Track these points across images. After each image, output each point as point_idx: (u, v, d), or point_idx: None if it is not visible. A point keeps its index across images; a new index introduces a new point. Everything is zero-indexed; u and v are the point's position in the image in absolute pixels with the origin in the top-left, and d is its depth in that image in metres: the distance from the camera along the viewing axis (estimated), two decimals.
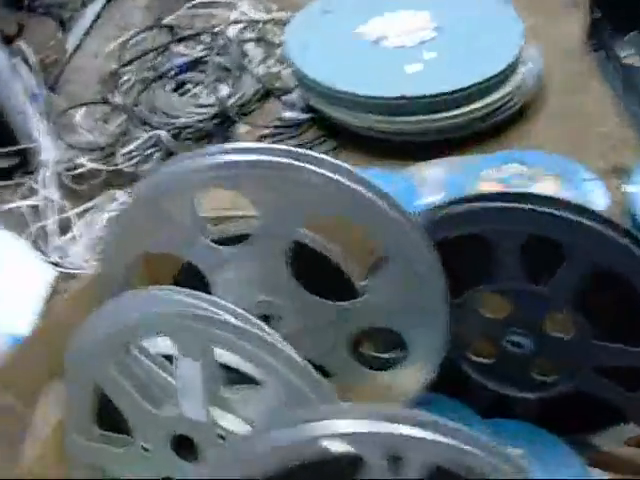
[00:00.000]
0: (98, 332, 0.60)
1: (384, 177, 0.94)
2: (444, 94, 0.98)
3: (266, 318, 0.64)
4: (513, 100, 1.04)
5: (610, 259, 0.56)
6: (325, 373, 0.66)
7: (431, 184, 0.94)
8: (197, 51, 1.21)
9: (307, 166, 0.56)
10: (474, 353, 0.68)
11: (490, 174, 0.89)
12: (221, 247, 0.61)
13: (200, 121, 1.07)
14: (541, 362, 0.66)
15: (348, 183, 0.57)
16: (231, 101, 1.10)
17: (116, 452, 0.62)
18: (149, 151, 1.07)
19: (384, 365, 0.66)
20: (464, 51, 1.03)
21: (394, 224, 0.58)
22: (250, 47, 1.21)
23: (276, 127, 1.09)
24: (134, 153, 1.06)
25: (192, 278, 0.64)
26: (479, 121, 1.02)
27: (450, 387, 0.69)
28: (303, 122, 1.09)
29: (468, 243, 0.61)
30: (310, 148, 1.07)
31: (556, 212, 0.56)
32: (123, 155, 1.06)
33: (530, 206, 0.56)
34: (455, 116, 1.00)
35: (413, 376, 0.65)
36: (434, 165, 0.98)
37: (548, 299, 0.61)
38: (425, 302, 0.61)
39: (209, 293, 0.63)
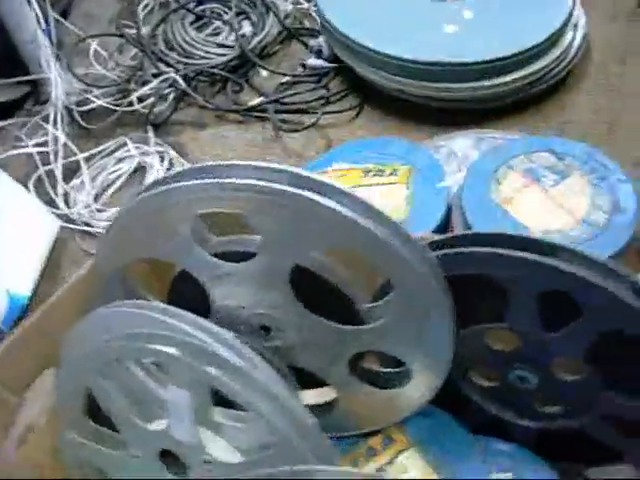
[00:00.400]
0: (91, 339, 0.58)
1: (408, 149, 0.89)
2: (481, 63, 0.90)
3: (265, 328, 0.62)
4: (555, 70, 0.96)
5: (625, 323, 0.53)
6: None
7: (457, 161, 0.89)
8: None
9: (313, 197, 0.52)
10: (476, 375, 0.66)
11: (520, 162, 0.83)
12: (221, 262, 0.58)
13: (218, 64, 1.01)
14: (545, 396, 0.64)
15: (355, 217, 0.53)
16: (253, 43, 1.03)
17: (108, 453, 0.62)
18: (164, 92, 1.01)
19: (384, 381, 0.64)
20: (505, 12, 0.95)
21: (402, 260, 0.54)
22: None
23: (298, 75, 1.03)
24: (148, 93, 1.00)
25: (190, 284, 0.61)
26: (517, 92, 0.95)
27: (449, 402, 0.68)
28: (328, 71, 1.03)
29: (482, 281, 0.57)
30: (332, 101, 1.01)
31: (579, 273, 0.52)
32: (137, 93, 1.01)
33: (552, 262, 0.53)
34: (492, 86, 0.93)
35: (412, 396, 0.64)
36: (463, 136, 0.92)
37: (558, 346, 0.58)
38: (430, 333, 0.59)
39: (207, 300, 0.61)
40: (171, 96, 1.02)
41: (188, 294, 0.61)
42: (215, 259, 0.58)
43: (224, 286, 0.60)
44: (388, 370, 0.64)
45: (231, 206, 0.55)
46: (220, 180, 0.53)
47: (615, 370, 0.58)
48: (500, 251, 0.54)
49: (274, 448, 0.53)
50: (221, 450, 0.56)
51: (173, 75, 0.98)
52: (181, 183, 0.55)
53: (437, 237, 0.59)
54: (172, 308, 0.56)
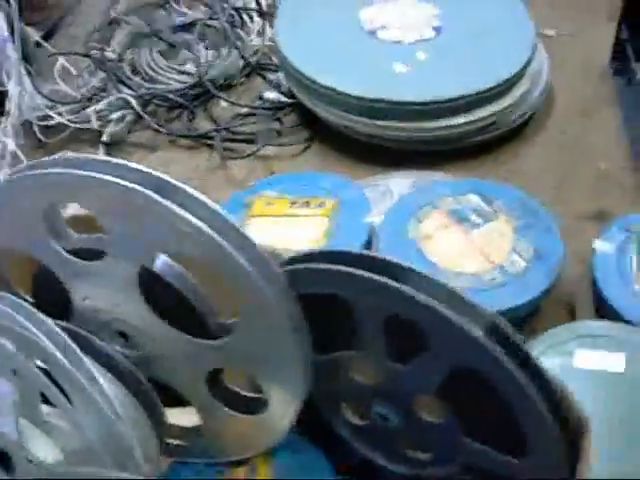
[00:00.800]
0: None
1: (339, 184, 0.87)
2: (426, 103, 0.89)
3: (124, 335, 0.60)
4: (506, 119, 0.94)
5: (475, 361, 0.49)
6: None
7: (392, 200, 0.87)
8: (199, 12, 1.14)
9: (157, 198, 0.51)
10: (348, 411, 0.62)
11: (446, 202, 0.81)
12: (75, 259, 0.57)
13: (176, 90, 1.02)
14: (411, 439, 0.60)
15: (205, 229, 0.51)
16: (213, 73, 1.04)
17: None
18: (121, 112, 1.02)
19: (243, 405, 0.61)
20: (459, 57, 0.94)
21: (248, 278, 0.52)
22: (254, 15, 1.13)
23: (255, 107, 1.03)
24: (104, 112, 1.02)
25: (51, 280, 0.60)
26: (465, 137, 0.93)
27: (323, 439, 0.64)
28: (284, 105, 1.03)
29: (339, 303, 0.54)
30: (284, 134, 1.01)
31: (419, 299, 0.49)
32: (96, 112, 1.02)
33: (393, 284, 0.49)
34: (437, 128, 0.91)
35: (272, 424, 0.61)
36: (402, 177, 0.91)
37: (411, 380, 0.54)
38: (280, 356, 0.56)
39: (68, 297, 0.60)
40: (129, 118, 1.03)
41: (51, 289, 0.60)
42: (69, 256, 0.57)
43: (82, 285, 0.58)
44: (245, 394, 0.61)
45: (78, 199, 0.54)
46: (61, 170, 0.53)
47: (474, 416, 0.54)
48: (344, 269, 0.51)
49: (81, 454, 0.51)
50: (46, 450, 0.54)
51: (126, 96, 0.99)
52: (30, 172, 0.54)
53: (294, 254, 0.56)
54: (12, 298, 0.55)
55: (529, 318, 0.78)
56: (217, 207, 0.53)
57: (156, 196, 0.51)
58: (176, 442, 0.66)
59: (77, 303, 0.59)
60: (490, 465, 0.55)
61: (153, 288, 0.57)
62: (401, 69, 0.93)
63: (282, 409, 0.59)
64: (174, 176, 0.99)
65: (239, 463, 0.65)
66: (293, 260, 0.56)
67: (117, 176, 0.52)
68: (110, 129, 1.02)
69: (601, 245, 0.80)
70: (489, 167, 0.94)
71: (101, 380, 0.52)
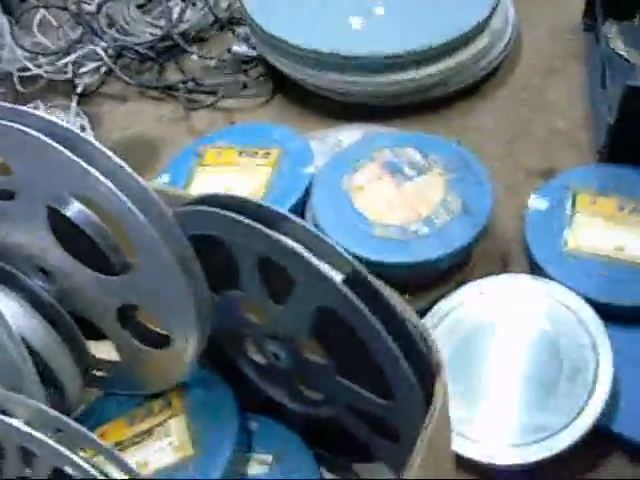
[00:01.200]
0: None
1: (287, 136, 0.89)
2: (376, 57, 0.90)
3: (44, 271, 0.64)
4: (462, 74, 0.94)
5: (330, 301, 0.52)
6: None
7: (336, 151, 0.88)
8: None
9: (57, 147, 0.54)
10: (252, 350, 0.65)
11: (382, 155, 0.82)
12: None
13: (145, 43, 1.05)
14: (303, 378, 0.63)
15: (95, 174, 0.53)
16: (183, 26, 1.06)
17: None
18: (94, 64, 1.06)
19: (151, 340, 0.65)
20: (418, 12, 0.94)
21: (136, 220, 0.55)
22: None
23: (223, 60, 1.05)
24: (79, 64, 1.05)
25: None
26: (419, 91, 0.93)
27: (230, 377, 0.67)
28: (251, 59, 1.04)
29: (221, 244, 0.57)
30: (247, 87, 1.03)
31: (283, 242, 0.51)
32: (71, 64, 1.06)
33: (260, 227, 0.51)
34: (389, 83, 0.92)
35: (176, 359, 0.64)
36: (352, 129, 0.92)
37: (287, 320, 0.57)
38: (174, 293, 0.59)
39: None
40: (102, 69, 1.06)
41: None
42: None
43: (1, 224, 0.63)
44: (154, 329, 0.65)
45: None
46: None
47: (346, 358, 0.56)
48: (220, 212, 0.54)
49: None
50: None
51: (97, 48, 1.02)
52: None
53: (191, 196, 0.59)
54: None
55: (460, 269, 0.79)
56: (108, 152, 0.55)
57: (50, 141, 0.55)
58: (100, 374, 0.71)
59: (0, 240, 0.64)
60: (367, 406, 0.58)
61: (63, 227, 0.60)
62: (357, 24, 0.93)
63: (184, 345, 0.62)
64: (141, 127, 1.03)
65: (155, 396, 0.69)
66: (189, 203, 0.59)
67: (20, 123, 0.56)
68: (84, 80, 1.06)
69: (535, 201, 0.80)
70: (444, 121, 0.95)
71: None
